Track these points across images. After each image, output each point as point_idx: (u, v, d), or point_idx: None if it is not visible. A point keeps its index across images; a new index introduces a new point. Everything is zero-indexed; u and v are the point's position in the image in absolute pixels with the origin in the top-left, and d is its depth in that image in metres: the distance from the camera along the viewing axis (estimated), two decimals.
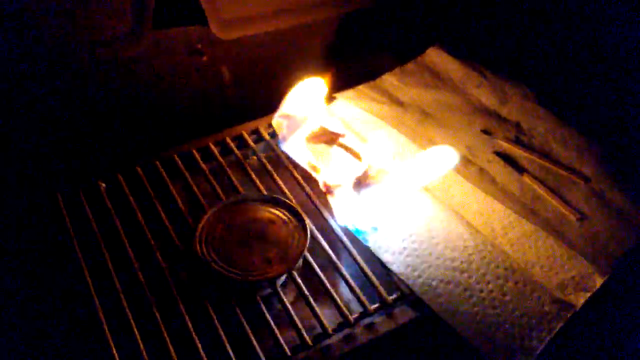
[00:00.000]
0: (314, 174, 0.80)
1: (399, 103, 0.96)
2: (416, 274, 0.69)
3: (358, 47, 1.05)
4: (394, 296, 0.69)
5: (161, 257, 0.72)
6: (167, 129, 0.92)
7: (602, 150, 0.87)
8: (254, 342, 0.64)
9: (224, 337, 0.64)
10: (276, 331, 0.65)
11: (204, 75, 0.94)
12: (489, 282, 0.68)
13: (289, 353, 0.64)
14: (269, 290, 0.71)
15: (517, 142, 0.88)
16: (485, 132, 0.90)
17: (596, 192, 0.81)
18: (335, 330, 0.66)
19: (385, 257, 0.72)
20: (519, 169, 0.84)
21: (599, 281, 0.70)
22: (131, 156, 0.84)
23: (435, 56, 1.04)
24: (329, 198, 0.78)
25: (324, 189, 0.79)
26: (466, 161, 0.85)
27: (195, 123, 0.94)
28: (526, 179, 0.83)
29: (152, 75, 0.89)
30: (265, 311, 0.67)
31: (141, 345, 0.64)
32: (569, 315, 0.65)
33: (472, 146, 0.88)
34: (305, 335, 0.65)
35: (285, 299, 0.69)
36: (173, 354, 0.63)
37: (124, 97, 0.89)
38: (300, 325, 0.66)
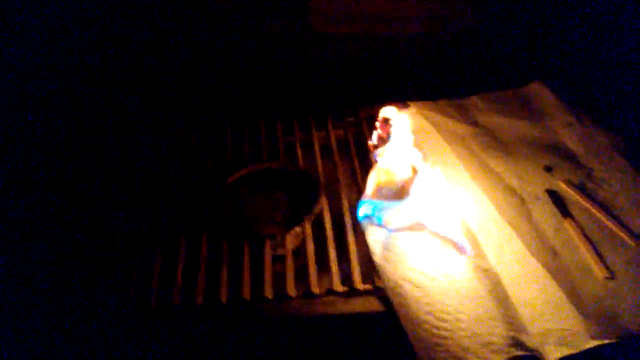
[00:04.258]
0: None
1: (474, 123, 0.94)
2: (390, 267, 0.69)
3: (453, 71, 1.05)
4: (366, 286, 0.70)
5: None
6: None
7: None
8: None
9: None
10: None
11: None
12: (454, 297, 0.65)
13: (247, 298, 0.70)
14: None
15: (580, 188, 0.81)
16: (547, 168, 0.85)
17: None
18: (298, 295, 0.70)
19: (373, 246, 0.73)
20: (565, 212, 0.78)
21: (589, 344, 0.62)
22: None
23: (535, 89, 0.99)
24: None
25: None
26: (510, 190, 0.81)
27: None
28: (567, 224, 0.76)
29: None
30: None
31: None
32: (517, 354, 0.60)
33: (524, 178, 0.83)
34: (270, 289, 0.71)
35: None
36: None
37: None
38: (270, 281, 0.71)
